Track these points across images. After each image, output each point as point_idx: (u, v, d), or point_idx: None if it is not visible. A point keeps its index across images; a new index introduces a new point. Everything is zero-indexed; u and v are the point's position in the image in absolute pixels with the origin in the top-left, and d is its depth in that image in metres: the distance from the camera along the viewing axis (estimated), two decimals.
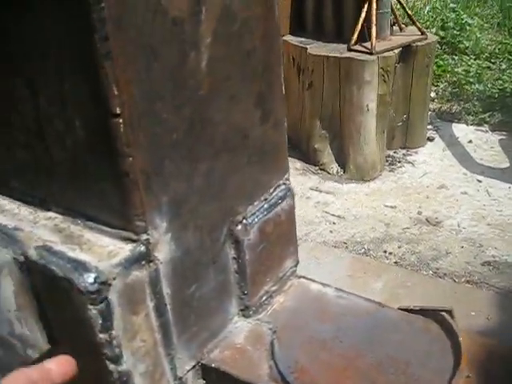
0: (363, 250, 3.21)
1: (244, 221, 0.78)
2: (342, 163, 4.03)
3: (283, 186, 0.85)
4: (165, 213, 0.66)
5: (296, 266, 0.92)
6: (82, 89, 0.58)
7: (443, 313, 0.81)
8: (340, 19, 3.97)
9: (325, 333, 0.82)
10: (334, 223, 3.50)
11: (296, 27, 4.18)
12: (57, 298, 0.64)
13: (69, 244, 0.65)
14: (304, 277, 0.93)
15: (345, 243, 3.29)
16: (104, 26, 0.53)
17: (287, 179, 0.86)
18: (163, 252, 0.67)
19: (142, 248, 0.64)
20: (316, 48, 3.90)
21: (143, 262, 0.65)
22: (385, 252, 3.19)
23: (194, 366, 0.77)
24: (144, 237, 0.64)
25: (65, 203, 0.70)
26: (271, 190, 0.83)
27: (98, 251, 0.64)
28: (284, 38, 3.93)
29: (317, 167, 4.12)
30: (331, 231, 3.42)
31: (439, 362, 0.76)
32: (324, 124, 3.95)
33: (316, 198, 3.78)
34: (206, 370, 0.78)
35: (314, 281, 0.92)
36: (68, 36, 0.56)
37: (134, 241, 0.64)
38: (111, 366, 0.64)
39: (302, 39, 4.06)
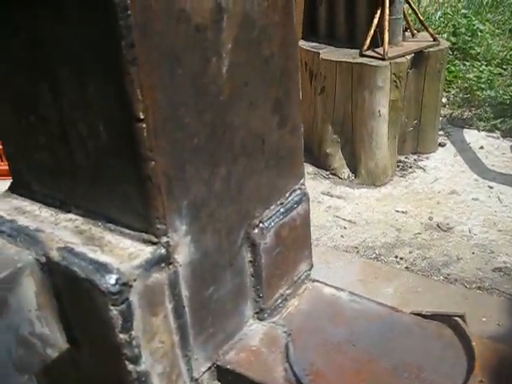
0: (374, 255, 3.22)
1: (260, 224, 0.79)
2: (354, 168, 4.04)
3: (299, 191, 0.86)
4: (185, 216, 0.66)
5: (310, 269, 0.93)
6: (107, 94, 0.59)
7: (456, 318, 0.82)
8: (352, 24, 3.98)
9: (339, 336, 0.82)
10: (345, 228, 3.50)
11: (308, 32, 4.19)
12: (78, 299, 0.65)
13: (90, 245, 0.66)
14: (318, 280, 0.93)
15: (356, 248, 3.29)
16: (130, 33, 0.54)
17: (303, 184, 0.87)
18: (182, 254, 0.67)
19: (163, 250, 0.65)
20: (328, 53, 3.91)
21: (163, 265, 0.65)
22: (396, 257, 3.19)
23: (209, 368, 0.77)
24: (164, 239, 0.65)
25: (85, 205, 0.71)
26: (287, 195, 0.84)
27: (119, 253, 0.64)
28: None
29: (328, 172, 4.13)
30: (342, 236, 3.42)
31: (452, 367, 0.76)
32: (336, 129, 3.96)
33: (327, 203, 3.78)
34: (221, 372, 0.78)
35: (327, 285, 0.92)
36: (94, 42, 0.56)
37: (154, 243, 0.65)
38: (130, 366, 0.64)
39: (315, 44, 4.08)
